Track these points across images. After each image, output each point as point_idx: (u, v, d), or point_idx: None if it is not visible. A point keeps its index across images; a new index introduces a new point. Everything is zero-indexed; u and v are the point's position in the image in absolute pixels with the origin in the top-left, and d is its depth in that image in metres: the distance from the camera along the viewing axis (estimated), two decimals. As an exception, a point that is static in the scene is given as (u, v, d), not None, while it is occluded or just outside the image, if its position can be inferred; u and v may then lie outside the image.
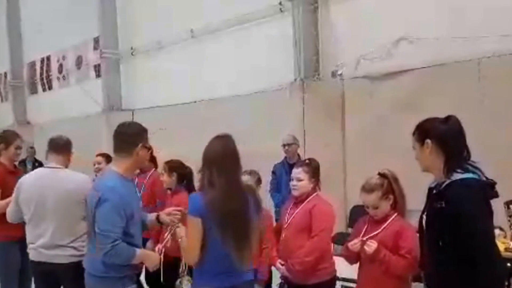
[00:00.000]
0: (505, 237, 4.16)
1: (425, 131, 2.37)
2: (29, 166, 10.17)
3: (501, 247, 4.04)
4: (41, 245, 3.50)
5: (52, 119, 12.85)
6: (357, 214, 4.79)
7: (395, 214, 2.94)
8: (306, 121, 6.94)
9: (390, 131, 5.84)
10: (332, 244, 5.23)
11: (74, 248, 3.47)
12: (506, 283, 2.31)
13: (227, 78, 8.30)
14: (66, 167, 3.72)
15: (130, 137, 2.99)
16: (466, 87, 5.50)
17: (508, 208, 4.00)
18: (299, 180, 3.42)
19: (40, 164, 10.34)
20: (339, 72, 6.76)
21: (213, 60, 8.65)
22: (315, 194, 3.45)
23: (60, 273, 3.50)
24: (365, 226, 3.00)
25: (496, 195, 2.22)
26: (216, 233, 2.55)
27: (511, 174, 4.92)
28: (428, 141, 2.33)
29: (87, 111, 11.36)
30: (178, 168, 4.44)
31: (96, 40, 11.50)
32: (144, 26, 10.30)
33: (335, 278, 3.48)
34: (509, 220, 4.02)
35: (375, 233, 2.90)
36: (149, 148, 3.41)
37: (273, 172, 5.99)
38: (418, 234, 2.47)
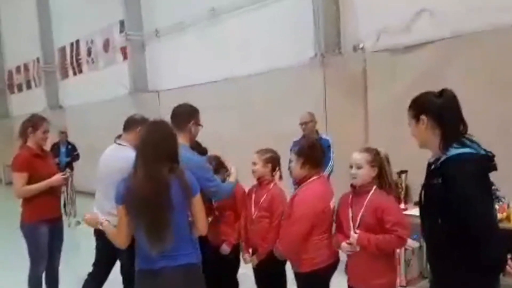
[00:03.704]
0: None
1: (419, 107, 2.32)
2: (62, 149, 10.51)
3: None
4: None
5: (82, 102, 13.17)
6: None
7: (375, 187, 2.92)
8: (327, 97, 6.89)
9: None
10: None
11: None
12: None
13: (248, 56, 8.28)
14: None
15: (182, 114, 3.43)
16: (489, 58, 5.34)
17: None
18: (290, 162, 3.41)
19: (73, 147, 10.68)
20: (360, 46, 6.68)
21: (234, 38, 8.64)
22: (312, 179, 3.25)
23: None
24: (349, 204, 3.00)
25: (494, 167, 2.16)
26: (133, 219, 2.65)
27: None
28: (423, 117, 2.27)
29: (114, 93, 11.55)
30: (195, 147, 4.49)
31: (122, 23, 11.60)
32: (167, 7, 10.33)
33: (320, 271, 3.18)
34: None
35: (359, 217, 2.90)
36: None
37: (291, 150, 5.96)
38: (418, 208, 2.45)
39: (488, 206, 2.17)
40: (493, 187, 4.11)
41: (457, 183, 2.09)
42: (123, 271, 3.86)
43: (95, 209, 3.80)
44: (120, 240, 2.76)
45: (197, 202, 2.76)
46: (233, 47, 8.63)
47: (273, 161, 3.71)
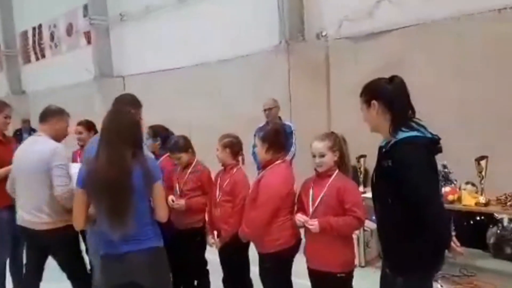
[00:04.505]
0: (476, 192, 4.30)
1: (371, 92, 2.41)
2: (25, 136, 10.34)
3: (471, 201, 4.23)
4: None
5: (45, 87, 12.91)
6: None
7: (337, 170, 3.05)
8: (291, 83, 7.01)
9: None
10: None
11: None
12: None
13: (214, 42, 8.31)
14: (54, 135, 3.72)
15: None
16: (448, 45, 5.54)
17: (479, 164, 4.10)
18: (254, 146, 3.48)
19: (36, 133, 10.53)
20: (323, 34, 6.80)
21: (200, 24, 8.63)
22: (276, 163, 3.31)
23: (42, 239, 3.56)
24: (311, 185, 3.10)
25: (440, 150, 2.27)
26: (94, 203, 2.70)
27: (485, 130, 5.08)
28: (375, 102, 2.36)
29: (79, 78, 11.38)
30: (162, 133, 4.51)
31: (85, 7, 11.42)
32: (132, -9, 10.23)
33: (283, 252, 3.26)
34: (479, 176, 4.13)
35: (319, 197, 3.01)
36: None
37: (255, 136, 6.03)
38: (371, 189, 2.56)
39: (434, 189, 2.29)
40: (445, 170, 4.37)
41: (406, 166, 2.19)
42: (63, 268, 3.76)
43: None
44: (78, 224, 2.79)
45: (158, 188, 2.80)
46: (201, 33, 8.61)
47: (232, 145, 3.71)
